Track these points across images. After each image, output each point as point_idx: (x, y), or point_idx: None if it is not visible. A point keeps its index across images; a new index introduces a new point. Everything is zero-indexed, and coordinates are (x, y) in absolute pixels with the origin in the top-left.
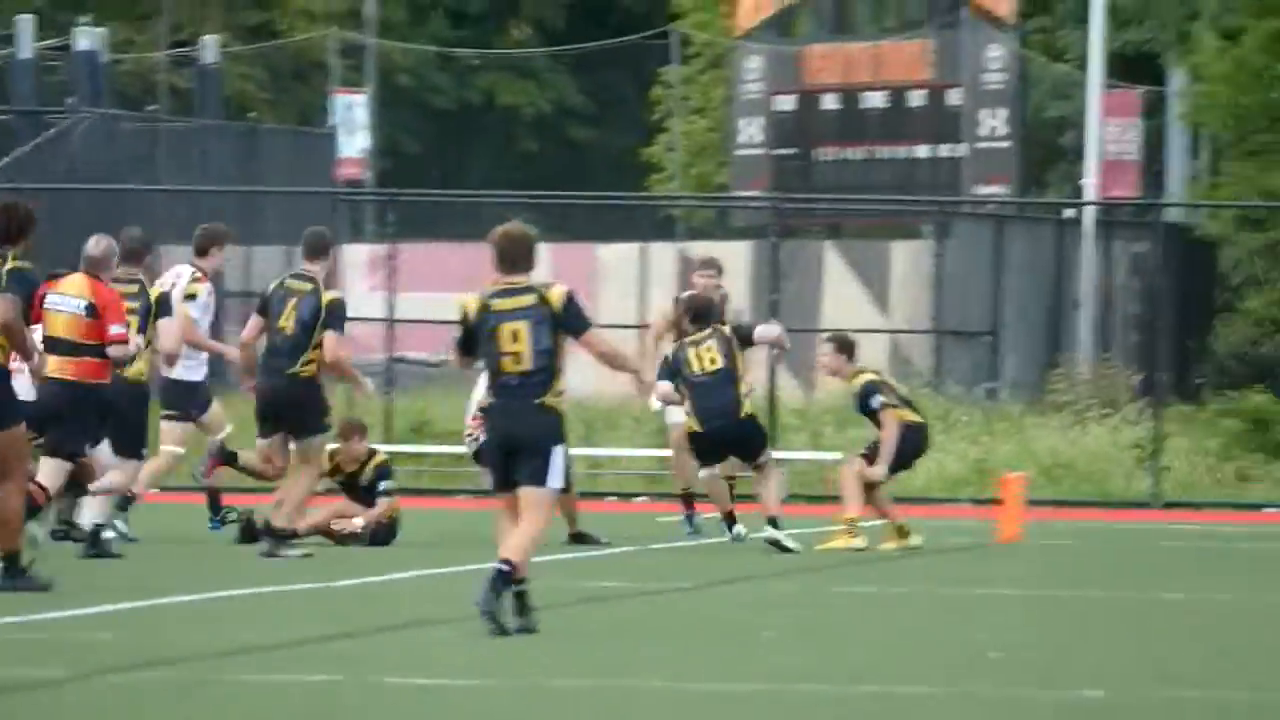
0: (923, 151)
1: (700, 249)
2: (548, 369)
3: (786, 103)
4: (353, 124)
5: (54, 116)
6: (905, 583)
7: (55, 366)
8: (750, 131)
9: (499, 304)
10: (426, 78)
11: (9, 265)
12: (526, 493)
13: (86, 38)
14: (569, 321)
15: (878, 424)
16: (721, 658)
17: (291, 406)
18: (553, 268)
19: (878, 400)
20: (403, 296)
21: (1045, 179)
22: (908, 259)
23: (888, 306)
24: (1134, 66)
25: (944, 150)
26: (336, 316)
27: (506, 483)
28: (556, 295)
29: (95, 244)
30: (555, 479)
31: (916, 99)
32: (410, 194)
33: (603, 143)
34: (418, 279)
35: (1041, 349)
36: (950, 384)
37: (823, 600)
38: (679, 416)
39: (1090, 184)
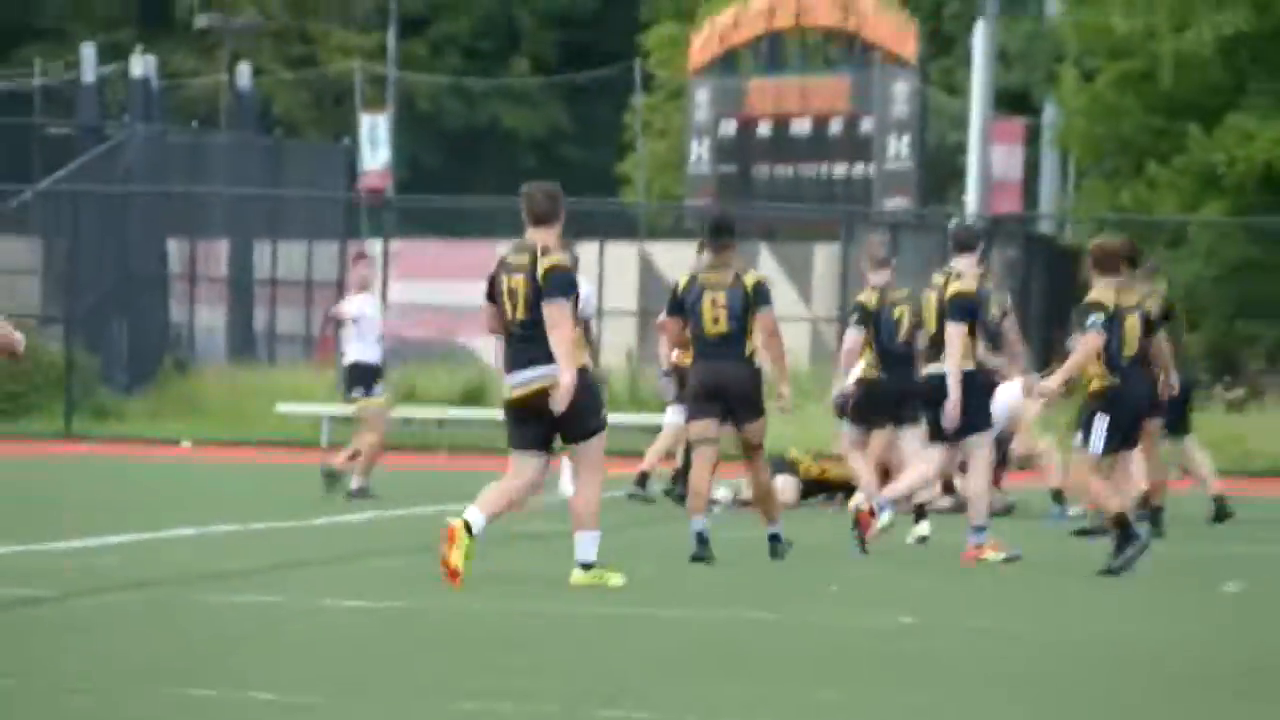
0: (840, 170)
1: (658, 249)
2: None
3: (729, 128)
4: (376, 141)
5: (112, 131)
6: None
7: None
8: (699, 151)
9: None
10: (442, 103)
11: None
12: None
13: (140, 65)
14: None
15: None
16: None
17: None
18: None
19: None
20: (411, 285)
21: (945, 195)
22: (826, 260)
23: (810, 299)
24: (1017, 101)
25: (857, 168)
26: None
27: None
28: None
29: None
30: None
31: (835, 126)
32: (409, 199)
33: (586, 160)
34: (423, 270)
35: None
36: None
37: None
38: None
39: (969, 199)
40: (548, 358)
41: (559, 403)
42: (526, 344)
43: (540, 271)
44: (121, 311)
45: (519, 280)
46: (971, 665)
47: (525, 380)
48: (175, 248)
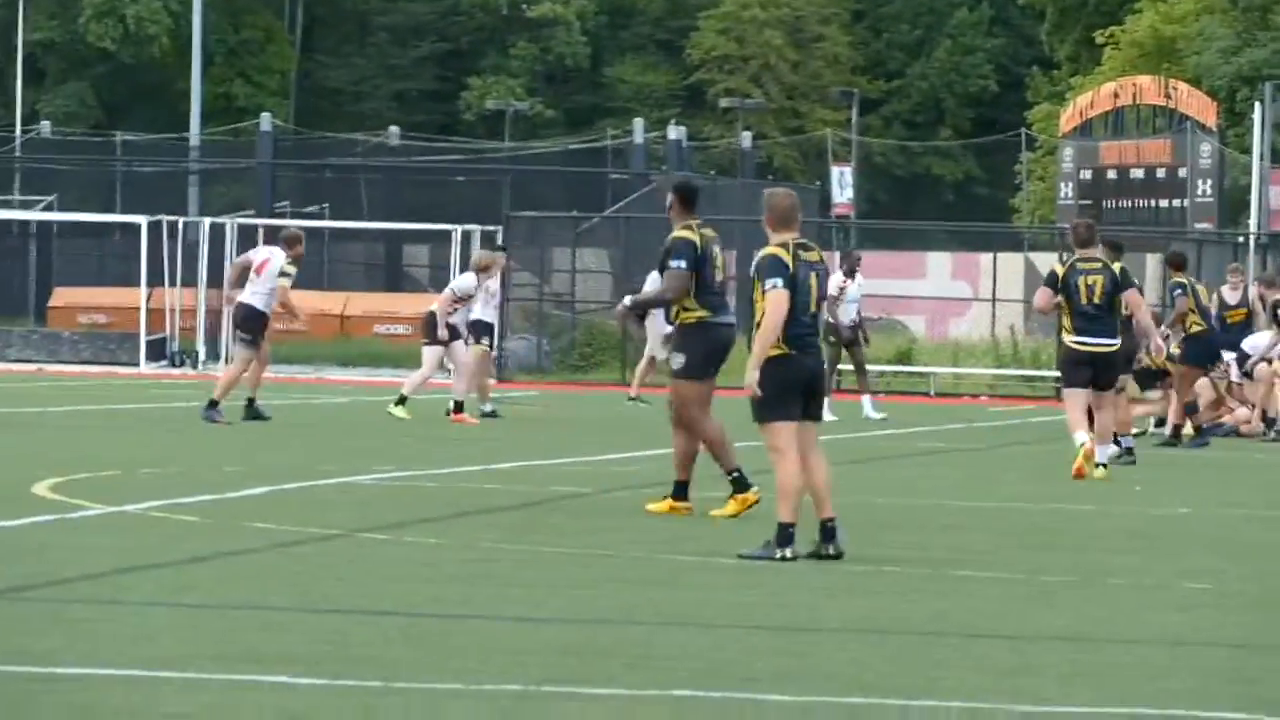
0: (1164, 203)
1: (1037, 257)
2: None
3: (1087, 174)
4: (844, 184)
5: (655, 176)
6: None
7: None
8: (1066, 190)
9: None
10: (890, 158)
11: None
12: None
13: (675, 131)
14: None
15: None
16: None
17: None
18: (951, 270)
19: None
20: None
21: (1237, 220)
22: (1154, 265)
23: (1143, 292)
24: None
25: (1175, 202)
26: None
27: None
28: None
29: None
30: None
31: (1161, 173)
32: (863, 222)
33: (990, 198)
34: (873, 271)
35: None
36: None
37: None
38: None
39: (1252, 222)
40: (1114, 329)
41: None
42: (1096, 320)
43: (1117, 270)
44: None
45: (1096, 278)
46: (1211, 536)
47: (1094, 342)
48: None
